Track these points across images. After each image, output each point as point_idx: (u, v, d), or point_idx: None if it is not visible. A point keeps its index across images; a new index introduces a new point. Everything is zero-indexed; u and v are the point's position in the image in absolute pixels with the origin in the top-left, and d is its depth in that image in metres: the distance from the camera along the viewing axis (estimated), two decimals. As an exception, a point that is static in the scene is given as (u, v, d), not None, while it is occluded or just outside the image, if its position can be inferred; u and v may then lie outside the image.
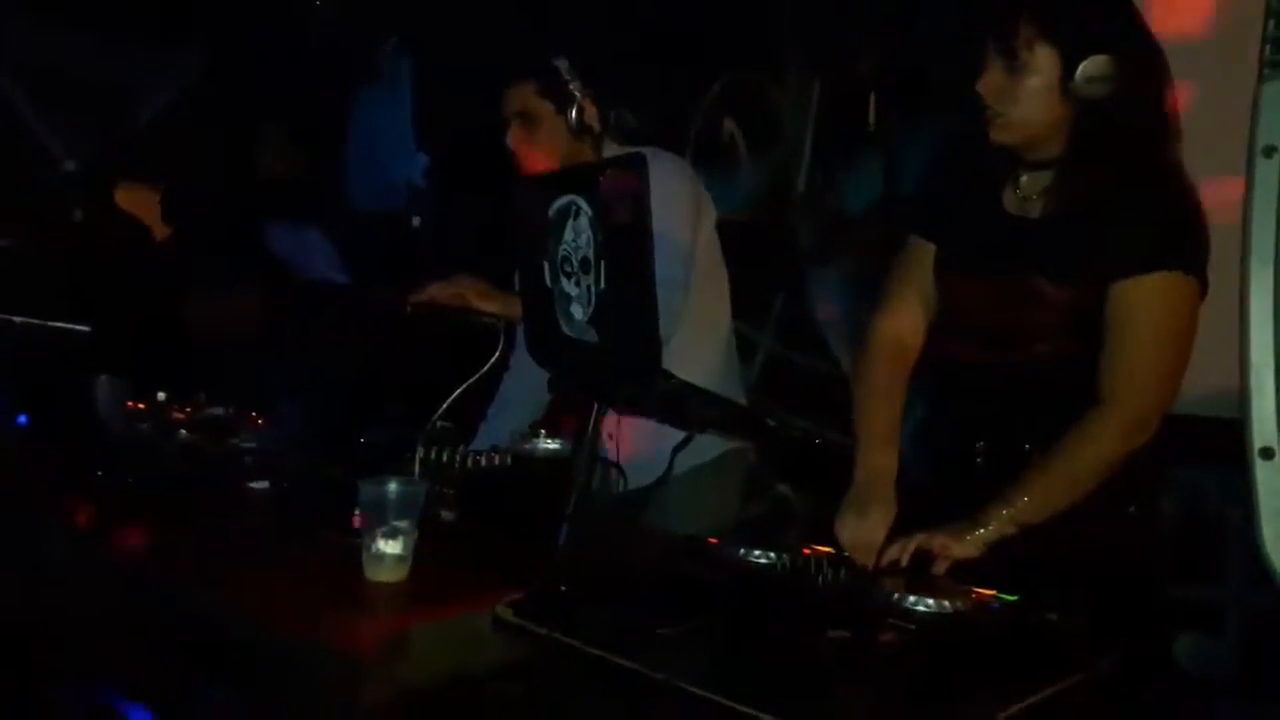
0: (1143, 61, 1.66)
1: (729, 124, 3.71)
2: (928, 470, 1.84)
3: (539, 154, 2.36)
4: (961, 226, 1.81)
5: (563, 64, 2.35)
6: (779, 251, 3.53)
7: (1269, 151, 0.86)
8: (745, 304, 2.56)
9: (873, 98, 3.32)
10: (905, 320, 1.89)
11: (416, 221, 4.74)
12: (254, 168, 3.58)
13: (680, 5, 3.70)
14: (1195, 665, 2.39)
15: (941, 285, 1.84)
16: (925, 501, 1.74)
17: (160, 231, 3.91)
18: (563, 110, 2.34)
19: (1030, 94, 1.67)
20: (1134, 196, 1.64)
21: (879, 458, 1.80)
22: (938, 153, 1.93)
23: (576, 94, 2.33)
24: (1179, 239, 1.64)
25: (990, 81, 1.69)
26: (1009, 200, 1.78)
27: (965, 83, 1.72)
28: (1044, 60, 1.65)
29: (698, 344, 2.25)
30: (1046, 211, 1.73)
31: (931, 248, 1.86)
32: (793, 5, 3.51)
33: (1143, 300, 1.63)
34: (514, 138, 2.38)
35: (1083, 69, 1.62)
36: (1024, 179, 1.77)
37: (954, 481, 1.78)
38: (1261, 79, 0.87)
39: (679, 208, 2.23)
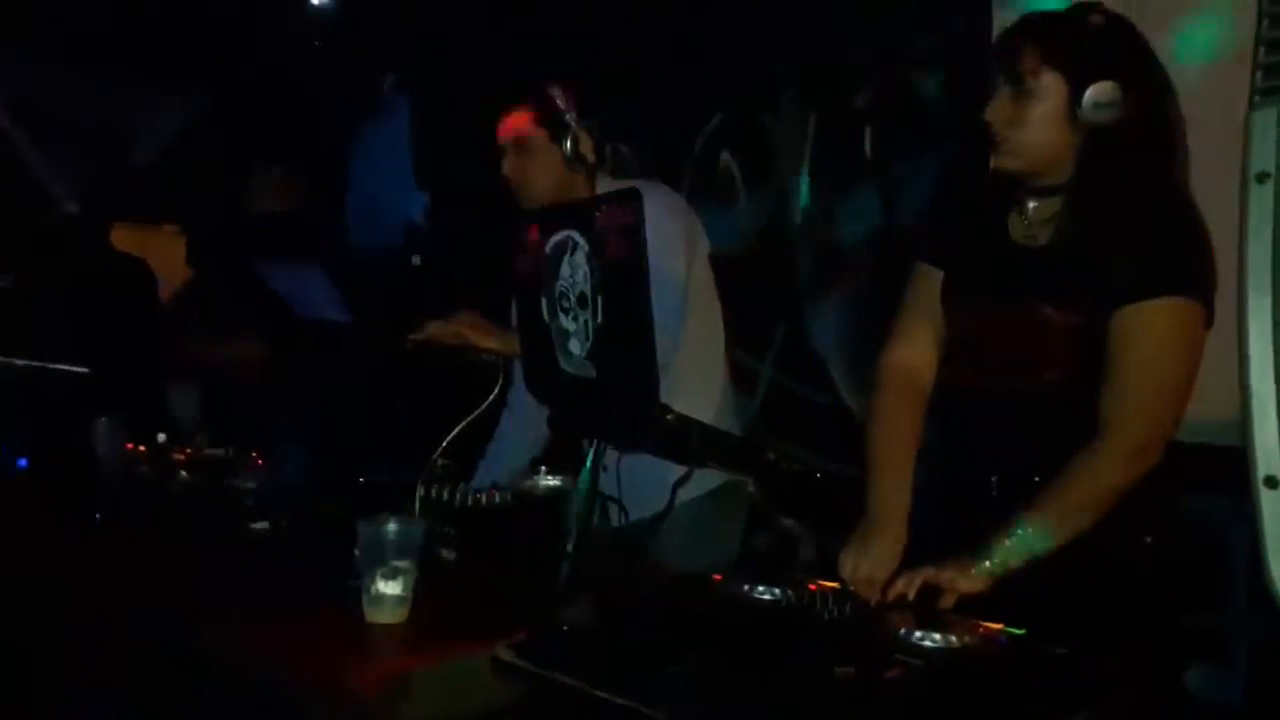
0: (1149, 87, 1.66)
1: (726, 157, 3.72)
2: (938, 503, 1.82)
3: (533, 184, 2.35)
4: (967, 254, 1.81)
5: (559, 92, 2.35)
6: (778, 283, 3.52)
7: (1262, 177, 0.86)
8: (745, 336, 2.55)
9: (869, 129, 3.33)
10: (917, 351, 1.87)
11: (416, 260, 4.75)
12: (254, 207, 3.60)
13: (677, 39, 3.72)
14: (1207, 694, 2.36)
15: (949, 314, 1.83)
16: (937, 534, 1.72)
17: (179, 274, 3.92)
18: (558, 139, 2.34)
19: (1037, 120, 1.67)
20: (1140, 222, 1.63)
21: (889, 492, 1.78)
22: (942, 180, 1.92)
23: (572, 123, 2.33)
24: (1181, 264, 1.63)
25: (997, 108, 1.69)
26: (1014, 227, 1.78)
27: (969, 111, 1.72)
28: (1050, 86, 1.65)
29: (692, 377, 2.23)
30: (1053, 238, 1.72)
31: (939, 275, 1.85)
32: (789, 38, 3.53)
33: (1143, 325, 1.61)
34: (509, 166, 2.38)
35: (1089, 95, 1.62)
36: (1030, 206, 1.76)
37: (966, 514, 1.76)
38: (1252, 106, 0.87)
39: (672, 241, 2.23)
